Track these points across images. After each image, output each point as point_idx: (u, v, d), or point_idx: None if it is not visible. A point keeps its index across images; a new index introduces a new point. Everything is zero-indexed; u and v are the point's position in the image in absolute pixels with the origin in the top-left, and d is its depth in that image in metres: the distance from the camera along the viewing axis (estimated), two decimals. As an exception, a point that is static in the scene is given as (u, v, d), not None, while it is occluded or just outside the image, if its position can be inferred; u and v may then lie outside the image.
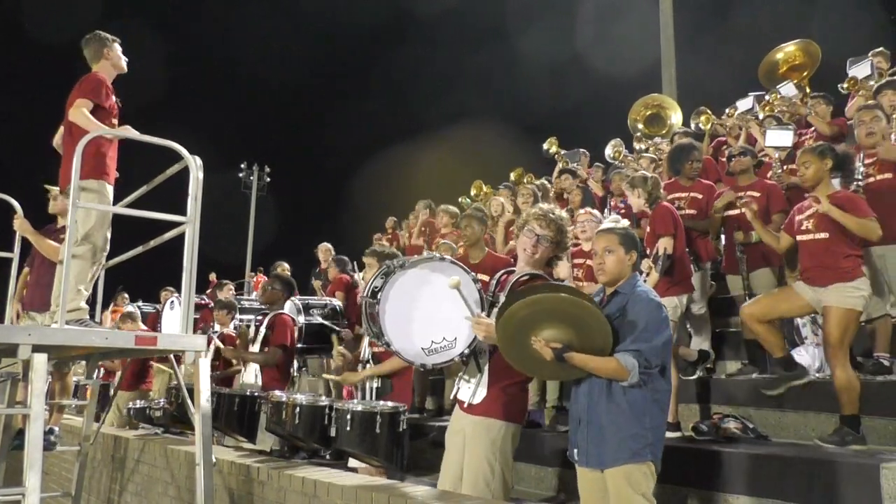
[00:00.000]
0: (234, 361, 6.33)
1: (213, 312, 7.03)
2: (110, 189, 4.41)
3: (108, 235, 4.42)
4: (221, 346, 6.16)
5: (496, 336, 2.91)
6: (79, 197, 3.79)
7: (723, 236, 5.78)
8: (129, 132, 4.27)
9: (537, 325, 2.77)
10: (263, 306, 6.22)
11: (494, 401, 3.12)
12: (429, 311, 3.03)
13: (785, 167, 5.91)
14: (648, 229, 4.78)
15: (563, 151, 9.39)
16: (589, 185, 8.26)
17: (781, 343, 4.04)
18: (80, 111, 4.20)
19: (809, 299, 4.01)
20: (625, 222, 3.12)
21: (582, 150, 9.60)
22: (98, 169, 4.29)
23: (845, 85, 6.63)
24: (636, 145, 9.43)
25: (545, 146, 9.54)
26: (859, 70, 6.67)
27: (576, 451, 2.97)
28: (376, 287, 3.08)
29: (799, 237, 4.17)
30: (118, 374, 8.36)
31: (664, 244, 4.52)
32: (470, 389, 3.16)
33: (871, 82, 6.39)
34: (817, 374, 4.64)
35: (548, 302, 2.79)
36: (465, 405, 3.18)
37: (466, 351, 3.07)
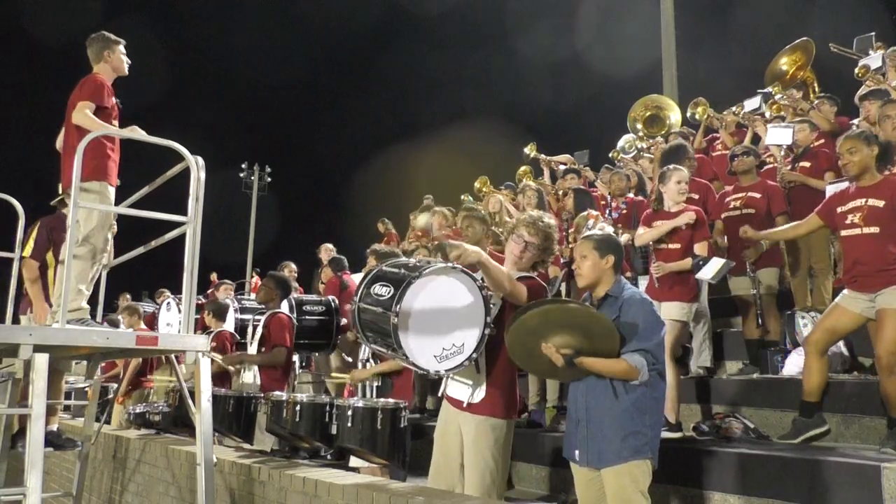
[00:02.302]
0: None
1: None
2: (112, 191, 4.39)
3: (109, 237, 4.41)
4: (218, 357, 5.88)
5: (507, 339, 3.00)
6: (80, 196, 3.77)
7: (725, 237, 5.76)
8: (136, 132, 4.24)
9: (547, 333, 2.87)
10: (261, 305, 6.22)
11: (495, 400, 3.19)
12: (439, 318, 3.05)
13: (797, 165, 5.84)
14: (682, 226, 4.62)
15: (543, 155, 9.44)
16: (597, 185, 8.26)
17: (822, 389, 3.80)
18: (82, 113, 4.19)
19: (861, 310, 3.72)
20: (609, 229, 3.22)
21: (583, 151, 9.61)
22: (100, 171, 4.28)
23: (857, 71, 6.66)
24: (638, 143, 9.45)
25: (526, 150, 9.62)
26: (871, 61, 6.74)
27: (576, 451, 3.01)
28: (381, 296, 3.06)
29: (843, 232, 3.86)
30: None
31: (703, 248, 4.57)
32: (468, 389, 3.22)
33: (880, 75, 6.47)
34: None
35: (557, 313, 2.93)
36: (465, 405, 3.21)
37: (475, 355, 3.09)
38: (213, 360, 5.82)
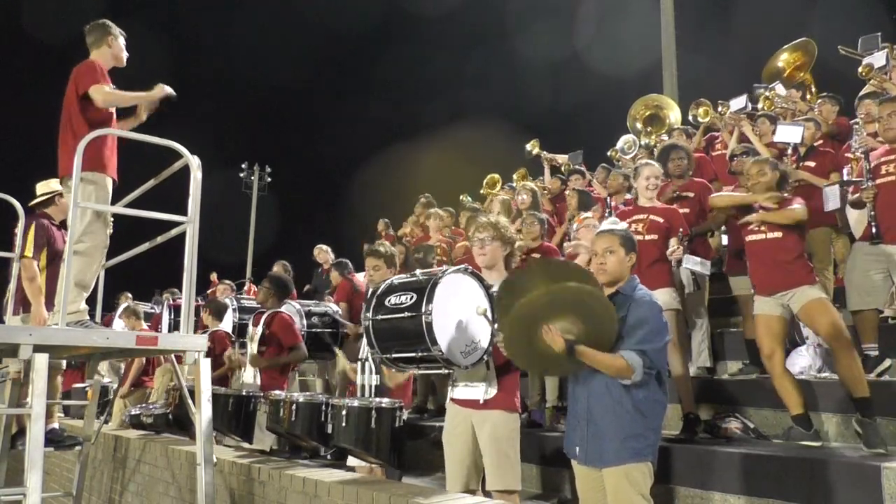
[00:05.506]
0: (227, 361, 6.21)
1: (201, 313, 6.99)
2: (110, 182, 4.27)
3: (109, 231, 4.36)
4: (236, 354, 5.89)
5: (507, 324, 2.97)
6: (79, 192, 3.76)
7: (724, 237, 5.74)
8: (162, 90, 4.21)
9: (551, 315, 2.81)
10: (258, 305, 6.21)
11: (508, 394, 3.38)
12: (460, 316, 3.24)
13: (801, 164, 5.80)
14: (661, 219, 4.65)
15: (545, 153, 9.41)
16: (593, 185, 8.24)
17: (801, 400, 3.92)
18: (103, 93, 4.09)
19: (780, 313, 4.04)
20: (623, 224, 3.21)
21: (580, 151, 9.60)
22: (96, 160, 4.13)
23: (861, 70, 6.62)
24: (642, 139, 9.43)
25: (528, 147, 9.59)
26: (875, 59, 6.67)
27: (577, 448, 3.00)
28: (402, 304, 3.23)
29: (748, 238, 4.23)
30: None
31: (676, 242, 4.59)
32: (480, 388, 3.37)
33: (885, 75, 6.41)
34: (818, 375, 4.64)
35: (570, 292, 2.81)
36: (482, 402, 3.35)
37: (490, 348, 3.30)
38: (235, 360, 5.85)
